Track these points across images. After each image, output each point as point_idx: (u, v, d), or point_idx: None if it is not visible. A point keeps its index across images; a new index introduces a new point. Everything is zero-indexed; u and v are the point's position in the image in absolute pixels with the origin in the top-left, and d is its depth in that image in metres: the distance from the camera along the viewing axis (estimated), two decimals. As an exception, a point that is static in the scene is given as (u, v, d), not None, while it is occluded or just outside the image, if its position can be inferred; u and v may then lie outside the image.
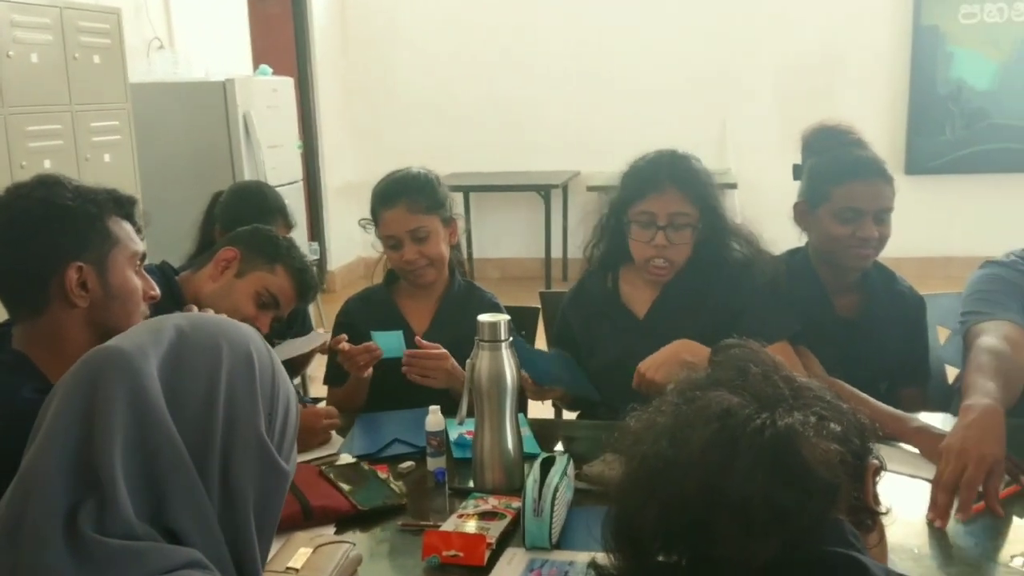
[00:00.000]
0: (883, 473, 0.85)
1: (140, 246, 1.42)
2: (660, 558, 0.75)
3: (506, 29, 6.23)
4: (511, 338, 1.51)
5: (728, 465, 0.72)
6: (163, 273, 1.86)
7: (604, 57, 6.12)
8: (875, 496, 0.81)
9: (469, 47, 6.29)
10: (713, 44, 5.98)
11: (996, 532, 1.31)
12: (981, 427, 1.33)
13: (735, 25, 5.94)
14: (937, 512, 1.30)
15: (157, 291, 1.44)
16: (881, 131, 5.82)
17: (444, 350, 1.81)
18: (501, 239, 6.53)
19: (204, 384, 0.81)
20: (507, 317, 1.51)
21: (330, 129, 6.24)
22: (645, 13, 6.05)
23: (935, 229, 5.81)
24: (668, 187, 1.79)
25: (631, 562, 0.76)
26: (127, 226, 1.41)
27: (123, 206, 1.40)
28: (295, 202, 4.61)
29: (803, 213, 1.91)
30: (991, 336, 1.58)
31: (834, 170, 1.85)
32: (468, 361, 1.51)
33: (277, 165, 4.37)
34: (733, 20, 5.94)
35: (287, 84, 4.67)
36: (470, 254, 6.43)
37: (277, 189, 4.33)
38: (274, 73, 4.78)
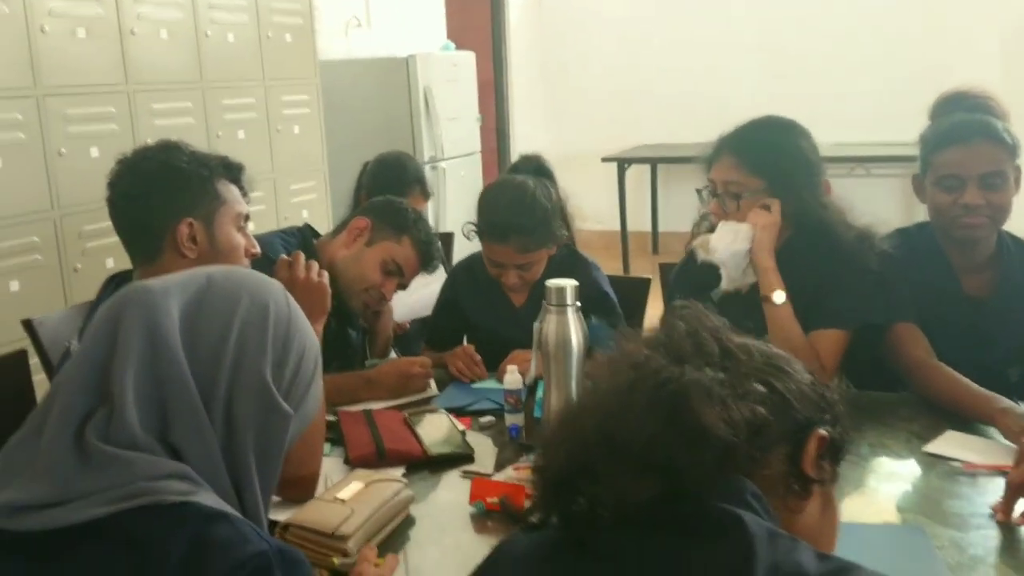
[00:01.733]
0: (841, 448, 0.82)
1: (244, 207, 1.59)
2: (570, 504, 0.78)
3: (697, 4, 6.08)
4: (577, 303, 1.54)
5: (624, 410, 0.74)
6: (303, 235, 2.05)
7: (799, 17, 5.82)
8: (816, 464, 0.78)
9: (660, 22, 6.20)
10: (931, 2, 5.50)
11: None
12: None
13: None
14: (1001, 510, 1.20)
15: (258, 249, 1.61)
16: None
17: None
18: (689, 212, 6.42)
19: (219, 327, 0.92)
20: (574, 282, 1.54)
21: (521, 103, 6.40)
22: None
23: None
24: (724, 155, 1.76)
25: (546, 504, 0.79)
26: (234, 189, 1.59)
27: (231, 171, 1.58)
28: (472, 172, 4.83)
29: (919, 186, 1.78)
30: None
31: (934, 137, 1.73)
32: (536, 324, 1.56)
33: (456, 138, 4.58)
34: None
35: (469, 58, 4.85)
36: (655, 229, 6.39)
37: (453, 160, 4.58)
38: (460, 48, 4.99)
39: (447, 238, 2.86)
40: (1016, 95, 5.43)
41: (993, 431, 1.48)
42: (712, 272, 1.74)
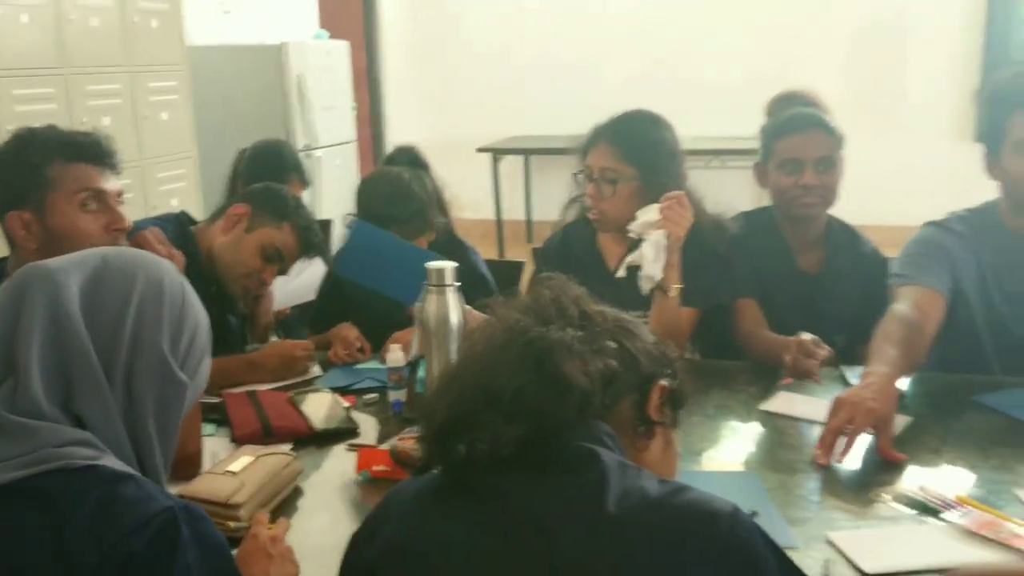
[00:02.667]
0: (679, 397, 0.97)
1: (94, 183, 1.57)
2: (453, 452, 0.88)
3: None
4: (457, 283, 1.65)
5: (497, 365, 0.85)
6: (179, 222, 2.06)
7: (669, 18, 6.10)
8: (658, 409, 0.92)
9: (534, 17, 6.35)
10: (783, 3, 5.88)
11: (875, 472, 1.39)
12: (875, 389, 1.42)
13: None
14: (820, 452, 1.40)
15: (125, 223, 1.61)
16: (951, 96, 5.65)
17: None
18: (561, 201, 6.62)
19: (118, 303, 0.98)
20: (453, 264, 1.65)
21: (396, 93, 6.43)
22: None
23: (1003, 198, 5.61)
24: (600, 143, 1.92)
25: (430, 453, 0.90)
26: (77, 168, 1.56)
27: (72, 150, 1.57)
28: (348, 161, 4.85)
29: (761, 173, 2.00)
30: (904, 302, 1.66)
31: (775, 127, 1.95)
32: (417, 304, 1.66)
33: (331, 127, 4.59)
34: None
35: (342, 47, 4.87)
36: (529, 218, 6.58)
37: (329, 148, 4.59)
38: (334, 37, 4.99)
39: (325, 225, 2.91)
40: (858, 93, 5.92)
41: (815, 390, 1.68)
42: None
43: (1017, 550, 1.14)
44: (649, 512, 0.78)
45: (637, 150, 1.90)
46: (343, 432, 1.63)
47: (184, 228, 2.04)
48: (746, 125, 5.52)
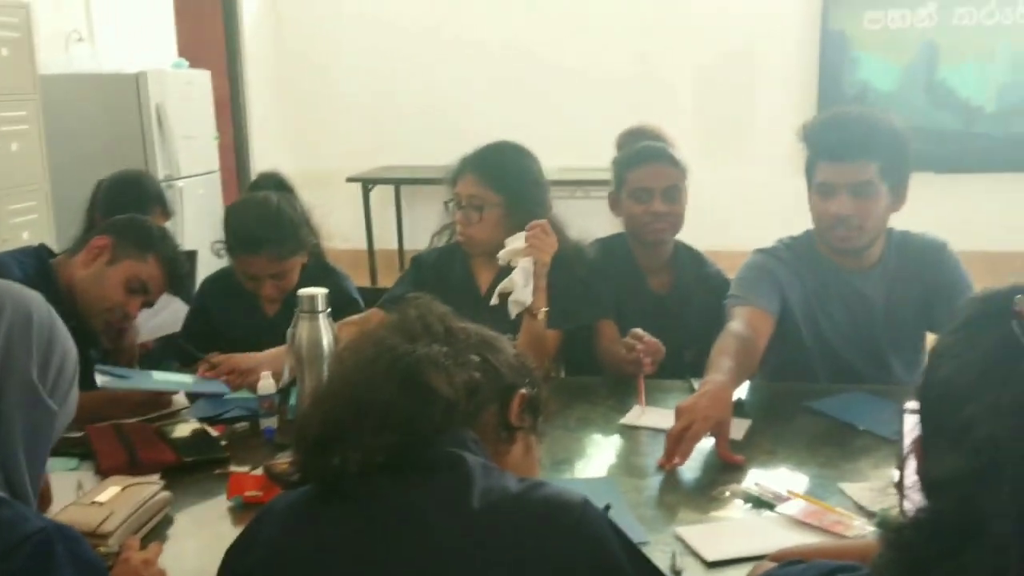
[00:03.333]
0: (538, 405, 1.05)
1: None
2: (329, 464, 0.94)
3: (441, 23, 6.38)
4: (328, 309, 1.68)
5: (367, 380, 0.92)
6: (38, 255, 2.01)
7: (533, 55, 6.31)
8: (518, 415, 1.01)
9: (403, 40, 6.43)
10: (636, 43, 6.19)
11: (718, 472, 1.52)
12: (710, 396, 1.56)
13: (657, 24, 6.16)
14: (664, 458, 1.52)
15: None
16: (793, 131, 6.09)
17: None
18: (431, 229, 6.68)
19: None
20: (324, 291, 1.69)
21: (260, 122, 6.36)
22: (571, 13, 6.24)
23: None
24: (468, 173, 2.02)
25: (304, 466, 0.95)
26: None
27: None
28: (211, 191, 4.76)
29: (614, 201, 2.16)
30: (738, 320, 1.83)
31: (628, 158, 2.11)
32: (289, 330, 1.69)
33: (193, 156, 4.50)
34: (655, 20, 6.15)
35: (203, 76, 4.79)
36: (401, 247, 6.62)
37: (191, 179, 4.50)
38: (194, 66, 4.91)
39: (191, 256, 2.87)
40: (705, 127, 6.25)
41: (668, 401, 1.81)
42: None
43: (839, 535, 1.29)
44: (509, 505, 0.86)
45: (502, 179, 2.01)
46: (213, 461, 1.63)
47: (43, 262, 1.99)
48: (603, 157, 5.79)
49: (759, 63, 6.13)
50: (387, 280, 6.13)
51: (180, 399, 1.91)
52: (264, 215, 2.06)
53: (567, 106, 6.24)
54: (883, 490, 1.40)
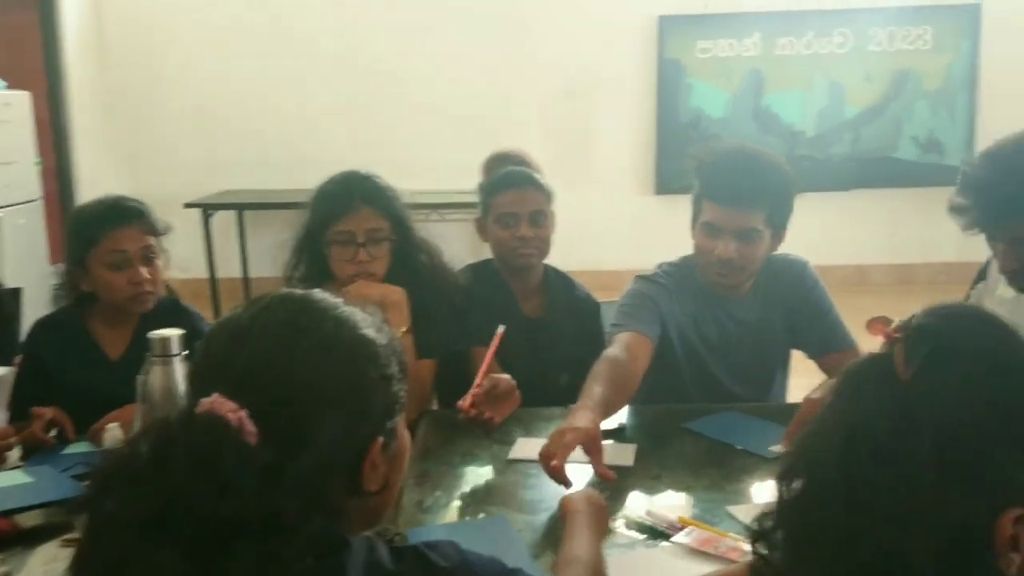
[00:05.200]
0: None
1: None
2: None
3: (279, 43, 6.18)
4: (183, 353, 1.54)
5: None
6: None
7: (379, 77, 6.22)
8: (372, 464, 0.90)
9: (241, 60, 6.18)
10: (486, 69, 6.23)
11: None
12: (576, 417, 1.56)
13: (505, 52, 6.23)
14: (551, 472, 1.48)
15: None
16: (633, 153, 6.32)
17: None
18: (278, 257, 6.43)
19: None
20: (179, 332, 1.55)
21: (87, 146, 5.93)
22: (421, 36, 6.21)
23: (682, 244, 6.33)
24: (362, 206, 1.91)
25: None
26: None
27: None
28: (33, 220, 4.38)
29: (482, 227, 2.13)
30: (617, 346, 1.84)
31: (493, 184, 2.09)
32: (139, 376, 1.53)
33: (12, 184, 4.13)
34: (503, 47, 6.22)
35: (23, 98, 4.41)
36: (246, 276, 6.32)
37: (10, 208, 4.11)
38: (13, 87, 4.51)
39: (14, 294, 2.60)
40: (555, 153, 6.36)
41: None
42: None
43: (734, 562, 1.29)
44: None
45: (391, 206, 1.94)
46: (53, 528, 1.45)
47: None
48: (458, 181, 5.81)
49: (602, 90, 6.32)
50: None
51: (14, 456, 1.71)
52: (117, 200, 1.98)
53: (415, 130, 6.20)
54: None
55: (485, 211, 2.11)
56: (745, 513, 1.43)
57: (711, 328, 1.97)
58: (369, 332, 0.90)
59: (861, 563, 0.75)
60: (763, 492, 1.56)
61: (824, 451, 0.79)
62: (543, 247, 2.09)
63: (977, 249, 1.70)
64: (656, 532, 1.38)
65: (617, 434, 1.76)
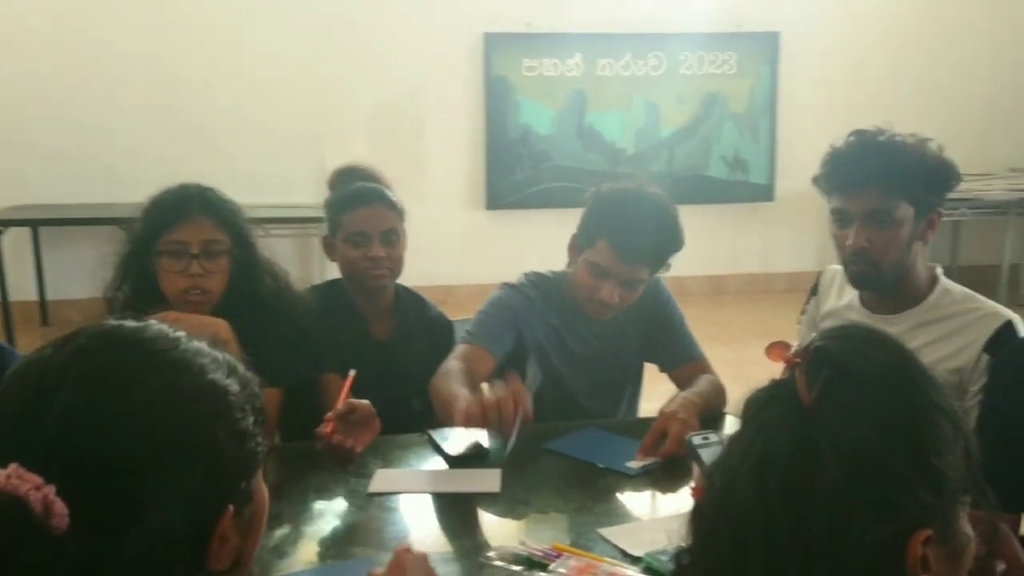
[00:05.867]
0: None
1: None
2: None
3: (81, 50, 5.70)
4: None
5: None
6: None
7: (191, 86, 5.87)
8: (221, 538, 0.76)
9: (41, 72, 5.65)
10: (311, 79, 6.03)
11: (476, 535, 1.45)
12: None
13: (329, 67, 6.06)
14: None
15: None
16: (464, 169, 6.33)
17: None
18: (81, 278, 5.91)
19: None
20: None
21: None
22: (234, 42, 5.92)
23: (513, 258, 6.39)
24: (198, 215, 1.76)
25: None
26: None
27: None
28: None
29: (329, 246, 2.01)
30: (456, 359, 1.84)
31: (341, 201, 1.98)
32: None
33: None
34: (329, 57, 6.05)
35: None
36: (43, 297, 5.75)
37: None
38: None
39: None
40: (380, 168, 6.22)
41: (412, 460, 1.71)
42: None
43: (614, 585, 1.26)
44: None
45: (232, 218, 1.80)
46: None
47: None
48: (281, 195, 5.56)
49: (431, 105, 6.29)
50: (28, 339, 5.28)
51: None
52: None
53: (231, 142, 5.90)
54: (641, 533, 1.42)
55: (333, 229, 1.99)
56: (617, 535, 1.41)
57: (576, 343, 1.97)
58: (217, 377, 0.74)
59: None
60: (631, 511, 1.55)
61: (737, 484, 0.77)
62: (395, 267, 2.00)
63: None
64: (532, 562, 1.33)
65: (480, 459, 1.71)
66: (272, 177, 5.80)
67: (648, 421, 1.79)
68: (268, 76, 5.96)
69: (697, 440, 1.22)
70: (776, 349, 0.83)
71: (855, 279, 1.73)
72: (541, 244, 6.45)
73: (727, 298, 6.49)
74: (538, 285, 2.00)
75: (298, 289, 1.92)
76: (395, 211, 2.00)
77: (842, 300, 1.85)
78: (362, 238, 1.95)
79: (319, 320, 1.91)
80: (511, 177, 6.44)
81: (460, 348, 1.88)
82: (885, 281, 1.69)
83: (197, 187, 1.81)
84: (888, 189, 1.62)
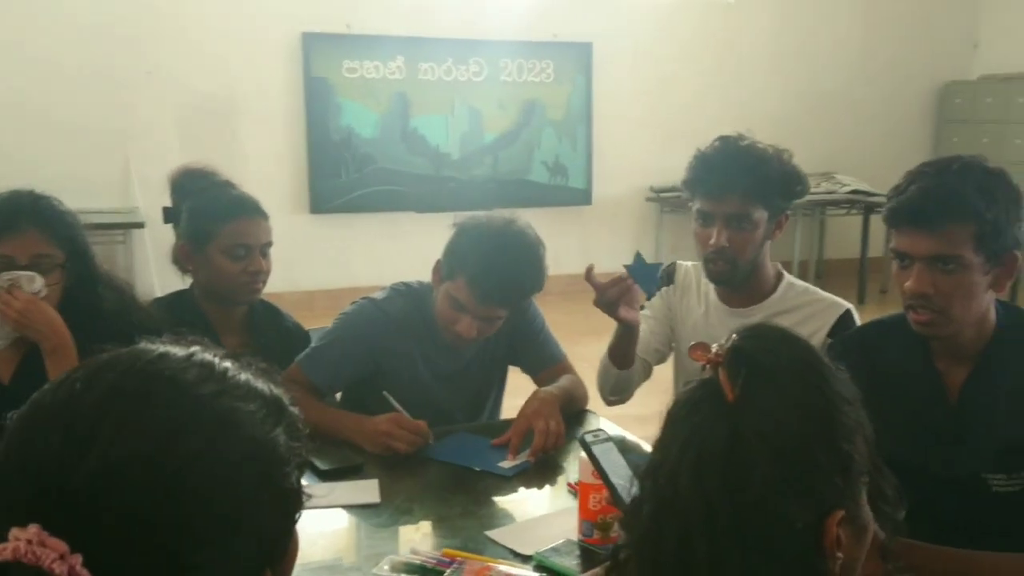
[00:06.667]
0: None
1: None
2: None
3: None
4: None
5: None
6: None
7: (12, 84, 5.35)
8: None
9: None
10: (111, 77, 5.62)
11: (364, 547, 1.42)
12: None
13: (133, 59, 5.68)
14: None
15: None
16: (286, 172, 6.12)
17: None
18: None
19: None
20: None
21: None
22: (32, 42, 5.43)
23: (340, 263, 6.28)
24: (28, 227, 1.61)
25: None
26: None
27: None
28: None
29: (187, 254, 1.89)
30: (288, 379, 1.77)
31: (218, 209, 1.87)
32: None
33: None
34: (135, 49, 5.67)
35: None
36: None
37: None
38: None
39: None
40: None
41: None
42: None
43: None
44: None
45: (65, 232, 1.64)
46: None
47: None
48: (87, 199, 5.17)
49: (248, 106, 6.05)
50: None
51: None
52: None
53: (27, 144, 5.42)
54: (527, 532, 1.44)
55: (203, 238, 1.87)
56: (504, 536, 1.43)
57: (442, 357, 1.95)
58: (266, 428, 0.66)
59: None
60: (513, 512, 1.57)
61: (679, 481, 0.80)
62: (266, 279, 1.93)
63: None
64: (426, 570, 1.32)
65: (356, 471, 1.67)
66: (74, 180, 5.35)
67: (511, 422, 1.82)
68: (67, 79, 5.51)
69: (589, 438, 1.25)
70: (697, 350, 0.87)
71: (713, 275, 1.84)
72: (368, 248, 6.42)
73: (552, 298, 6.66)
74: (405, 297, 1.96)
75: (143, 302, 1.80)
76: (268, 223, 1.93)
77: (701, 295, 1.96)
78: (243, 250, 1.86)
79: (166, 332, 1.79)
80: (336, 180, 6.31)
81: (293, 369, 1.85)
82: (739, 277, 1.82)
83: (30, 195, 1.65)
84: (748, 196, 1.75)
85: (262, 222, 1.91)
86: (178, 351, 0.68)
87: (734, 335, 0.87)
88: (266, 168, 6.08)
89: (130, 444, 0.59)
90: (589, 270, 1.76)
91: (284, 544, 0.68)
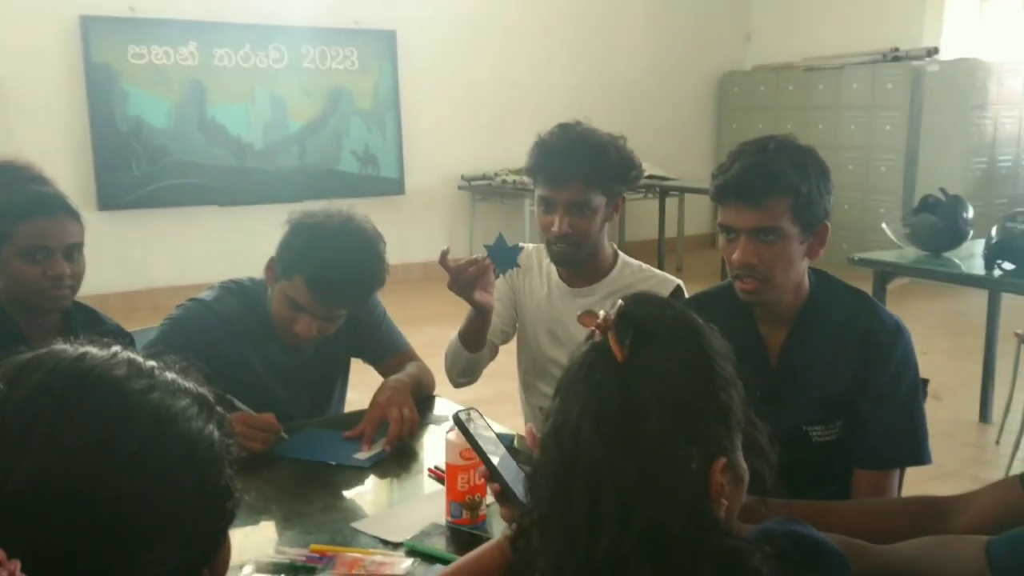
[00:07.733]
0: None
1: None
2: None
3: None
4: None
5: None
6: None
7: None
8: None
9: None
10: None
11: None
12: None
13: None
14: None
15: None
16: (68, 167, 5.60)
17: None
18: None
19: None
20: None
21: None
22: None
23: (135, 263, 5.87)
24: None
25: None
26: None
27: None
28: None
29: None
30: None
31: (12, 207, 1.68)
32: None
33: None
34: None
35: None
36: None
37: None
38: None
39: None
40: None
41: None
42: None
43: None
44: None
45: None
46: None
47: None
48: None
49: (20, 97, 5.51)
50: None
51: None
52: None
53: None
54: (393, 520, 1.43)
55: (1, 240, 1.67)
56: (371, 526, 1.40)
57: (281, 355, 1.86)
58: (200, 424, 0.64)
59: (634, 537, 0.81)
60: (376, 501, 1.55)
61: (582, 439, 0.83)
62: (77, 285, 1.73)
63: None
64: (296, 568, 1.28)
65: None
66: None
67: (360, 414, 1.79)
68: None
69: (463, 415, 1.25)
70: (586, 317, 0.90)
71: (556, 257, 1.89)
72: (166, 246, 6.05)
73: (393, 286, 6.58)
74: (236, 296, 1.86)
75: None
76: (78, 222, 1.73)
77: (543, 275, 2.01)
78: (43, 253, 1.67)
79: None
80: (126, 174, 5.88)
81: None
82: (581, 259, 1.88)
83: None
84: (588, 183, 1.80)
85: (66, 221, 1.71)
86: (99, 349, 0.64)
87: (620, 301, 0.91)
88: (46, 163, 5.48)
89: (65, 447, 0.57)
90: (444, 254, 1.75)
91: (220, 542, 0.66)
